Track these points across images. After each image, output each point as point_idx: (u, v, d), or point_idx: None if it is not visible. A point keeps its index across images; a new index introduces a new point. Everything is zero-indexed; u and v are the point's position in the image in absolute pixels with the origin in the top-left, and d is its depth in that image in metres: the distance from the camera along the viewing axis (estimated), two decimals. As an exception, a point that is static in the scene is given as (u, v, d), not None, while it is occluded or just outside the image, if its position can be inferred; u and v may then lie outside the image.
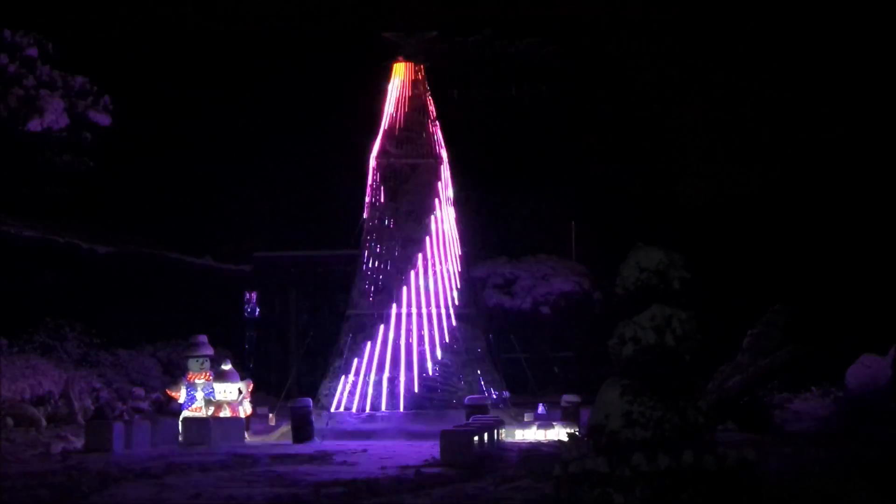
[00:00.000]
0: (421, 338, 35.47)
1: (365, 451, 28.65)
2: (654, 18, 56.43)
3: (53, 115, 37.14)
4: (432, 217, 36.93)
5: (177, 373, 38.38)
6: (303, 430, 32.21)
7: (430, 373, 35.17)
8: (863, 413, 35.06)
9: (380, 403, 34.43)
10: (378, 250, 36.76)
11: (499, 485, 21.15)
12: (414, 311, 35.89)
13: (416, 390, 34.76)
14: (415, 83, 38.21)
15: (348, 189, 41.29)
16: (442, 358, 35.41)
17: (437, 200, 37.17)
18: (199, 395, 33.55)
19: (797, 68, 54.18)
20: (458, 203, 38.57)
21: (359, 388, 34.85)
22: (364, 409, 34.38)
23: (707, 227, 52.45)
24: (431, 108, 38.37)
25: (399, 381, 34.72)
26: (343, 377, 35.41)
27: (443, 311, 36.13)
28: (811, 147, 53.47)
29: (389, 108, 38.17)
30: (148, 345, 44.03)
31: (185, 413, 33.40)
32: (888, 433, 31.31)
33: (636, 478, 14.19)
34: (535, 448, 28.66)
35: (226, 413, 33.16)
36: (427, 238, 36.68)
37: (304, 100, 56.73)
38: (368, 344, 35.44)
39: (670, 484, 14.14)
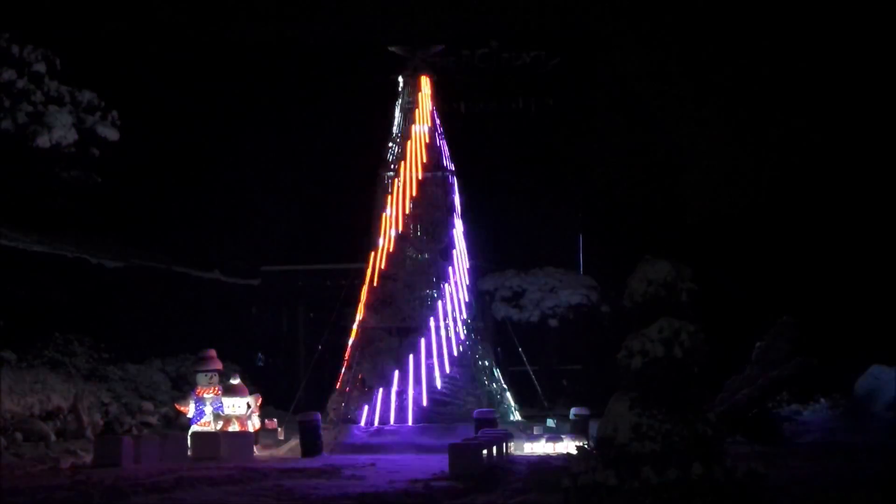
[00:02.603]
0: (429, 351, 35.45)
1: (373, 464, 28.65)
2: (659, 31, 56.52)
3: (61, 131, 37.14)
4: (443, 230, 36.96)
5: (185, 387, 38.41)
6: (311, 444, 32.22)
7: (439, 386, 35.14)
8: (872, 424, 35.06)
9: (388, 417, 34.41)
10: (385, 263, 36.75)
11: (508, 498, 21.16)
12: (423, 324, 35.89)
13: (424, 404, 34.74)
14: (421, 96, 38.25)
15: (356, 203, 41.32)
16: (450, 371, 35.40)
17: (444, 213, 37.18)
18: (208, 409, 33.58)
19: (804, 77, 54.21)
20: (466, 216, 38.57)
21: (367, 401, 34.85)
22: (373, 423, 34.37)
23: (715, 238, 52.42)
24: (438, 121, 38.42)
25: (407, 395, 34.70)
26: (352, 391, 35.41)
27: (451, 324, 36.12)
28: (819, 157, 53.45)
29: (396, 121, 38.21)
30: (156, 359, 44.04)
31: (194, 427, 33.43)
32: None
33: (645, 491, 14.20)
34: (544, 461, 28.66)
35: (234, 427, 33.18)
36: (438, 252, 36.69)
37: (311, 113, 56.81)
38: (375, 358, 35.42)
39: (679, 497, 14.16)
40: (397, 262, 36.69)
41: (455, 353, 35.70)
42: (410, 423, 34.24)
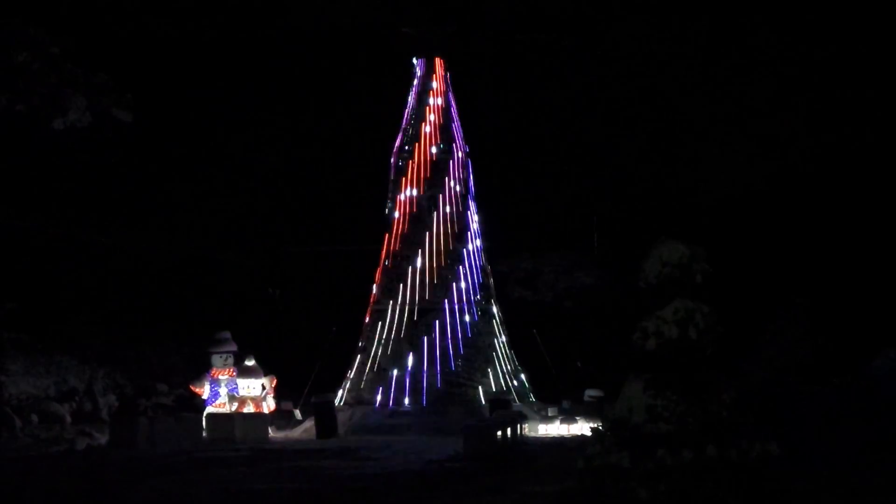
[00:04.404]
0: (444, 332, 35.49)
1: (389, 445, 28.73)
2: (674, 12, 56.42)
3: (76, 114, 37.23)
4: (451, 210, 36.91)
5: (201, 369, 38.55)
6: (327, 426, 32.31)
7: (454, 368, 35.18)
8: (885, 405, 35.04)
9: (403, 398, 34.47)
10: (400, 245, 36.77)
11: (522, 479, 21.20)
12: (437, 305, 35.91)
13: (439, 385, 34.78)
14: (435, 78, 38.21)
15: (371, 184, 41.39)
16: (465, 353, 35.42)
17: (457, 195, 37.15)
18: (223, 390, 33.70)
19: (816, 60, 54.08)
20: (481, 198, 38.56)
21: (381, 383, 34.90)
22: (388, 405, 34.43)
23: (729, 220, 52.38)
24: (452, 103, 38.38)
25: (423, 377, 34.74)
26: (366, 372, 35.47)
27: (465, 305, 36.14)
28: (833, 139, 53.36)
29: (410, 103, 38.18)
30: (172, 341, 44.18)
31: (209, 409, 33.55)
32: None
33: (659, 472, 14.21)
34: (558, 442, 28.70)
35: (249, 409, 33.30)
36: (448, 232, 36.69)
37: (326, 95, 56.87)
38: (391, 340, 35.47)
39: (694, 478, 14.17)
40: (411, 244, 36.66)
41: (469, 335, 35.66)
42: (424, 404, 34.29)
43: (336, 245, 51.36)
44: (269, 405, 33.93)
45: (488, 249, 37.86)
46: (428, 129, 37.39)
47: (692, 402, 14.63)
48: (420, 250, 36.32)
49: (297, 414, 35.06)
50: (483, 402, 33.44)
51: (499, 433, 26.76)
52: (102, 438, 30.96)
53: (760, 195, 53.87)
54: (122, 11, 53.46)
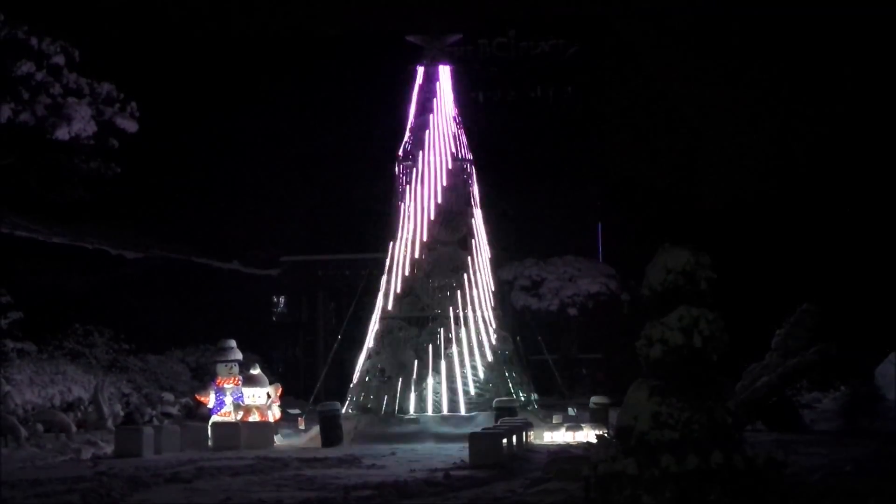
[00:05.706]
0: (448, 340, 35.39)
1: (394, 453, 28.72)
2: (679, 19, 56.52)
3: (81, 123, 37.15)
4: (456, 218, 36.81)
5: (206, 378, 38.51)
6: (332, 434, 32.27)
7: (458, 375, 35.08)
8: (892, 411, 35.04)
9: (408, 406, 34.39)
10: (404, 253, 36.71)
11: (528, 487, 21.19)
12: (441, 313, 35.81)
13: (444, 393, 34.69)
14: (439, 86, 38.15)
15: (375, 192, 41.38)
16: (469, 361, 35.33)
17: (463, 203, 37.07)
18: (228, 399, 33.66)
19: (820, 66, 54.13)
20: (485, 205, 38.46)
21: (387, 391, 34.83)
22: (393, 413, 34.35)
23: (734, 226, 52.37)
24: (456, 110, 38.31)
25: (428, 385, 34.67)
26: (371, 380, 35.40)
27: (470, 313, 36.05)
28: (837, 144, 53.36)
29: (414, 111, 38.10)
30: (177, 350, 44.20)
31: (215, 418, 33.52)
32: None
33: (665, 479, 14.20)
34: (563, 450, 28.67)
35: (255, 417, 33.27)
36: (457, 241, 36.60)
37: (329, 103, 56.88)
38: (396, 348, 35.40)
39: (699, 484, 14.16)
40: (416, 252, 36.59)
41: (474, 342, 35.54)
42: (430, 412, 34.21)
43: (340, 252, 51.47)
44: (274, 414, 33.91)
45: (493, 257, 37.77)
46: (432, 136, 37.26)
47: (697, 409, 14.65)
48: (425, 257, 36.23)
49: (301, 423, 34.99)
50: (488, 410, 33.35)
51: (504, 441, 26.74)
52: (108, 448, 30.96)
53: (766, 200, 53.91)
54: (126, 19, 53.58)
